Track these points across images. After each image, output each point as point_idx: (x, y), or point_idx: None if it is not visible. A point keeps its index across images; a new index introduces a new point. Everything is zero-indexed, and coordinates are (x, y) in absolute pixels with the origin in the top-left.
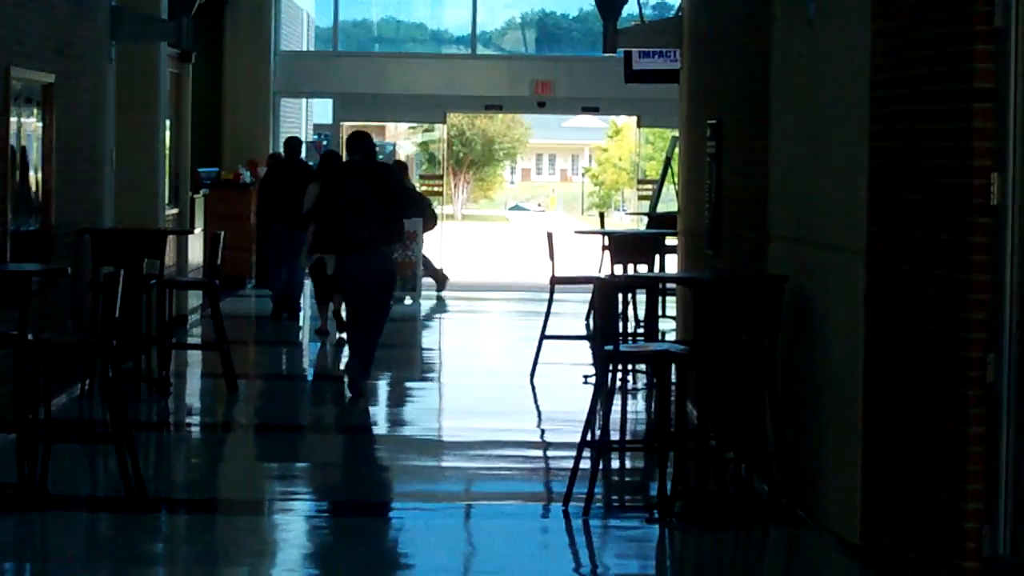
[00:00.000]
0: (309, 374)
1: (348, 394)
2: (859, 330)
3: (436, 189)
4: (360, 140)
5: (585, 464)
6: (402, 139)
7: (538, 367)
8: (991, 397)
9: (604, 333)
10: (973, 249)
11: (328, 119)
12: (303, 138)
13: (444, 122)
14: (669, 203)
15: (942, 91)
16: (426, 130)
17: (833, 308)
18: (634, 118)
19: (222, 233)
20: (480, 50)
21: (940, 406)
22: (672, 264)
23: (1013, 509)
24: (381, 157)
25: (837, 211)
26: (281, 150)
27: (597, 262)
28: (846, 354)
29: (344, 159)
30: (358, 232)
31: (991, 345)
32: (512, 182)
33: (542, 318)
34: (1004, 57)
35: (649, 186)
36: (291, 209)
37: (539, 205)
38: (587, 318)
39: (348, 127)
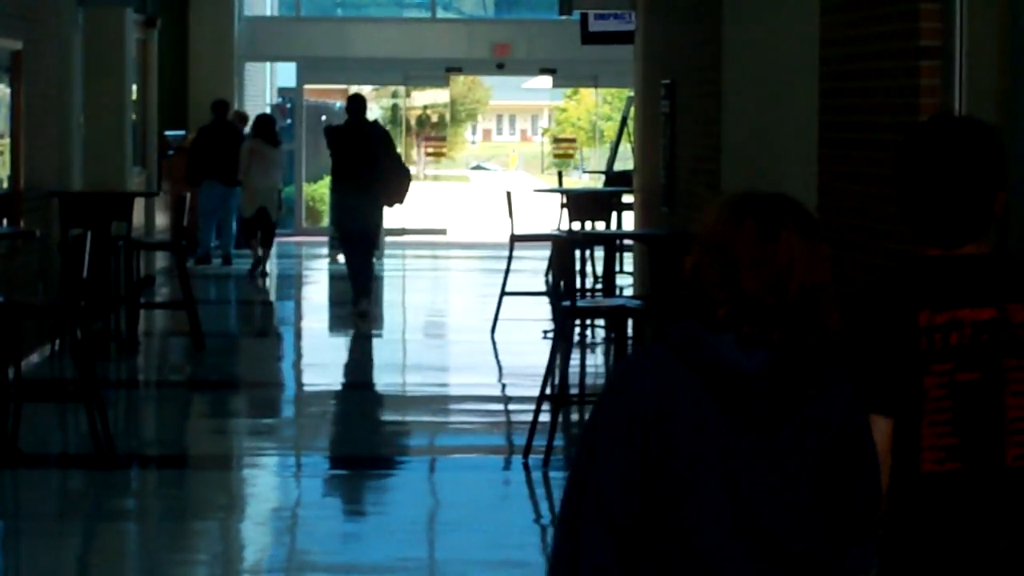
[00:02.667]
0: (278, 330)
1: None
2: None
3: (442, 149)
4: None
5: (545, 417)
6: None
7: (499, 323)
8: None
9: (563, 289)
10: None
11: (292, 83)
12: (268, 101)
13: (405, 84)
14: (626, 161)
15: (889, 49)
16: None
17: None
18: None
19: (187, 195)
20: (440, 14)
21: None
22: (629, 221)
23: None
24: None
25: (788, 168)
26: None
27: (556, 219)
28: None
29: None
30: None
31: None
32: (473, 142)
33: (502, 275)
34: (950, 15)
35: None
36: (222, 167)
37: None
38: (546, 274)
39: (311, 90)
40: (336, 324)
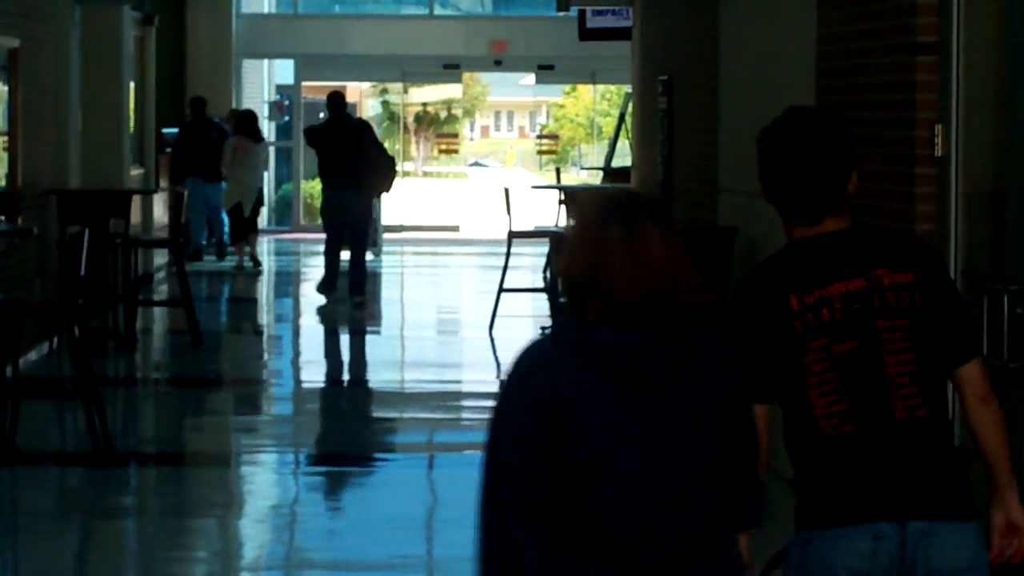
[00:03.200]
0: (275, 328)
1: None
2: None
3: (454, 146)
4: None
5: None
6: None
7: (497, 319)
8: None
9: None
10: (917, 199)
11: (290, 79)
12: (265, 98)
13: (402, 81)
14: (623, 158)
15: (886, 45)
16: (383, 90)
17: None
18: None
19: (185, 192)
20: (438, 10)
21: None
22: None
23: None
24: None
25: None
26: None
27: (554, 216)
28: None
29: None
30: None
31: None
32: (472, 139)
33: (500, 271)
34: (947, 11)
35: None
36: (202, 164)
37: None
38: (544, 271)
39: (308, 87)
40: (334, 321)
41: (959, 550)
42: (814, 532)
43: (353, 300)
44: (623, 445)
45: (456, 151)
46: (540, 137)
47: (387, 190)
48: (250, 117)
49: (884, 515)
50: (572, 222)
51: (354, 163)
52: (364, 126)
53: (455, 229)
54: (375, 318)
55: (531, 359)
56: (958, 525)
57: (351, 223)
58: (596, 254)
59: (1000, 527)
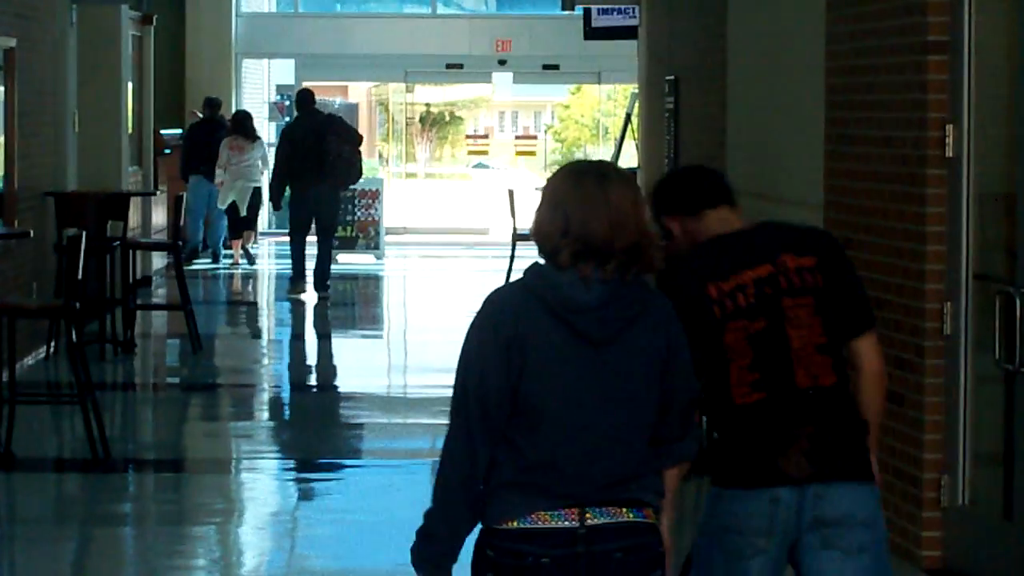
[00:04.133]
0: (275, 332)
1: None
2: None
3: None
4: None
5: None
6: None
7: None
8: (949, 348)
9: None
10: (929, 200)
11: (290, 79)
12: (266, 99)
13: (405, 80)
14: (629, 159)
15: (897, 44)
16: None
17: None
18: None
19: (185, 194)
20: (441, 9)
21: (898, 357)
22: None
23: (972, 459)
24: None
25: (794, 165)
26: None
27: None
28: None
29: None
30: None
31: (948, 296)
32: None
33: (504, 273)
34: (958, 10)
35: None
36: (209, 164)
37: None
38: None
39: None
40: (337, 325)
41: (853, 505)
42: (725, 491)
43: (318, 295)
44: (569, 386)
45: (486, 152)
46: (518, 137)
47: (353, 182)
48: (244, 116)
49: (783, 481)
50: (549, 183)
51: (319, 160)
52: (332, 122)
53: (484, 232)
54: (377, 322)
55: (501, 299)
56: (852, 485)
57: (319, 218)
58: (573, 203)
59: None
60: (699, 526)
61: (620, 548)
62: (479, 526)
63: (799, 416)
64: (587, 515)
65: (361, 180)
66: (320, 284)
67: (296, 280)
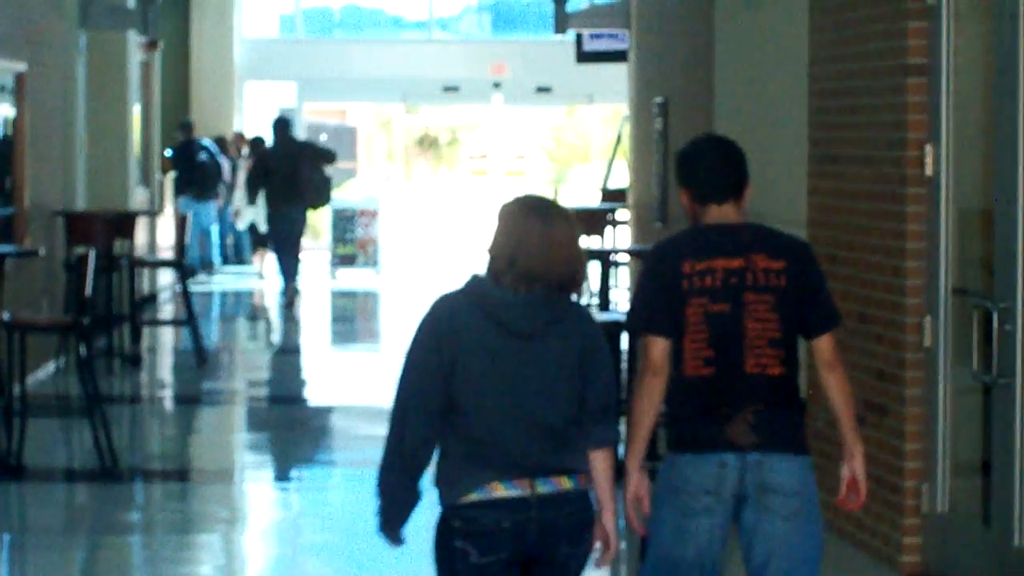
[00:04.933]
0: (277, 346)
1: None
2: None
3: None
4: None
5: None
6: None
7: None
8: (928, 360)
9: None
10: (908, 218)
11: (292, 102)
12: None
13: (404, 102)
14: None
15: (877, 67)
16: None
17: None
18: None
19: (189, 213)
20: (437, 34)
21: (880, 369)
22: (624, 237)
23: (951, 467)
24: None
25: (778, 184)
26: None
27: None
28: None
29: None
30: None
31: (928, 310)
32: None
33: None
34: (936, 33)
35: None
36: (192, 183)
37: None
38: None
39: (311, 110)
40: (337, 340)
41: (789, 476)
42: (677, 455)
43: (285, 300)
44: (498, 373)
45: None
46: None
47: (325, 203)
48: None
49: (727, 448)
50: (500, 216)
51: (294, 183)
52: (305, 148)
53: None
54: (376, 336)
55: (442, 302)
56: (789, 457)
57: (289, 234)
58: (521, 239)
59: (847, 480)
60: (653, 490)
61: (564, 515)
62: (441, 505)
63: (744, 396)
64: (536, 485)
65: (361, 199)
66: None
67: (288, 290)
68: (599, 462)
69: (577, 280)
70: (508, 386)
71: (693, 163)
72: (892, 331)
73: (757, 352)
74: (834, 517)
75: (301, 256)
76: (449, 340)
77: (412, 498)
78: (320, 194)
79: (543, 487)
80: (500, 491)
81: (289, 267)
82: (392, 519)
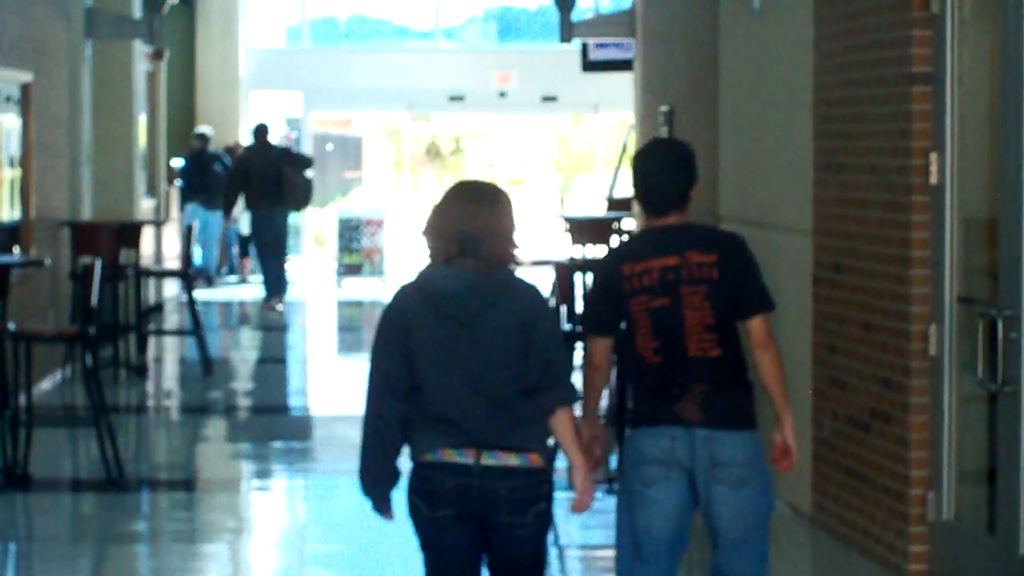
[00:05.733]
0: (283, 355)
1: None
2: (807, 307)
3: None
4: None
5: None
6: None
7: None
8: (934, 368)
9: (565, 313)
10: (913, 226)
11: (299, 111)
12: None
13: (409, 111)
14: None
15: (882, 75)
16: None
17: (782, 286)
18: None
19: (195, 223)
20: (443, 44)
21: (885, 378)
22: None
23: (956, 476)
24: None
25: (784, 192)
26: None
27: (558, 244)
28: (795, 330)
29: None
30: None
31: (933, 319)
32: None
33: None
34: (941, 42)
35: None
36: (202, 192)
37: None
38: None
39: (316, 119)
40: (343, 349)
41: (737, 449)
42: (636, 430)
43: (268, 304)
44: (443, 357)
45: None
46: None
47: (305, 205)
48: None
49: (677, 423)
50: (438, 200)
51: (276, 187)
52: (285, 153)
53: None
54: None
55: (397, 295)
56: (735, 432)
57: (272, 238)
58: (447, 216)
59: (777, 446)
60: (619, 465)
61: (505, 487)
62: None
63: (691, 377)
64: (481, 456)
65: (367, 209)
66: (279, 294)
67: (270, 296)
68: (560, 423)
69: (505, 254)
70: (455, 366)
71: (640, 177)
72: (897, 339)
73: (697, 338)
74: (840, 526)
75: (287, 266)
76: (404, 331)
77: (391, 474)
78: (303, 197)
79: (488, 459)
80: (450, 456)
81: (273, 274)
82: (378, 496)
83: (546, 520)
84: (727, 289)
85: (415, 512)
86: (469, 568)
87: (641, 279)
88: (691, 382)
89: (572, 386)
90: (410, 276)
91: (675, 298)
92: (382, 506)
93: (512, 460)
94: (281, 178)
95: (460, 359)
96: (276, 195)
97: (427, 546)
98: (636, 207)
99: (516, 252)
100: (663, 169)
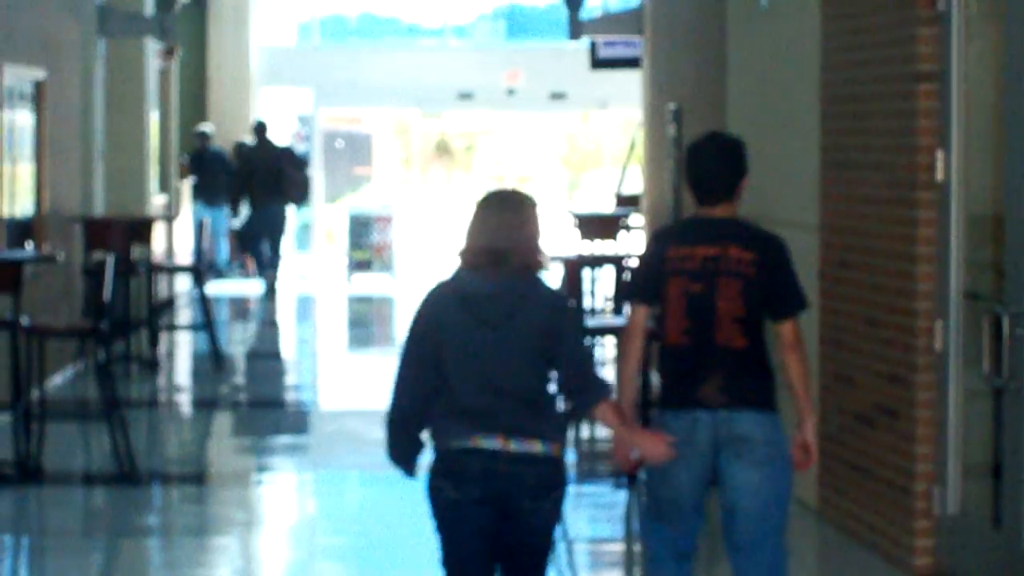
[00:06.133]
0: (293, 350)
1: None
2: (813, 302)
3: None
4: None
5: None
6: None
7: None
8: (939, 364)
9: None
10: (919, 223)
11: (309, 108)
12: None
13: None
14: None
15: (888, 73)
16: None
17: None
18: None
19: (206, 219)
20: (452, 41)
21: (891, 373)
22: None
23: (962, 470)
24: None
25: (791, 189)
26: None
27: (567, 239)
28: (801, 325)
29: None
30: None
31: (939, 315)
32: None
33: None
34: (947, 40)
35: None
36: (204, 190)
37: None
38: None
39: (326, 116)
40: (353, 344)
41: (754, 427)
42: (663, 411)
43: (269, 288)
44: (472, 354)
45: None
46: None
47: (304, 199)
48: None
49: (700, 406)
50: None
51: (276, 183)
52: (284, 152)
53: None
54: (391, 341)
55: (430, 294)
56: (756, 412)
57: (274, 230)
58: (477, 226)
59: (798, 444)
60: None
61: (530, 473)
62: (433, 453)
63: (714, 363)
64: (510, 443)
65: (377, 205)
66: (272, 281)
67: (265, 275)
68: (603, 413)
69: (532, 261)
70: (482, 365)
71: (692, 168)
72: (903, 335)
73: (726, 327)
74: (846, 520)
75: (282, 253)
76: (435, 329)
77: (415, 445)
78: (303, 192)
79: (515, 445)
80: (478, 442)
81: (267, 258)
82: (405, 464)
83: (560, 508)
84: (762, 288)
85: (437, 493)
86: (483, 550)
87: (683, 263)
88: (715, 368)
89: (603, 382)
90: (441, 275)
91: (711, 286)
92: (409, 469)
93: (537, 447)
94: (281, 173)
95: (486, 358)
96: (277, 189)
97: (445, 527)
98: (688, 197)
99: (542, 259)
100: (715, 160)
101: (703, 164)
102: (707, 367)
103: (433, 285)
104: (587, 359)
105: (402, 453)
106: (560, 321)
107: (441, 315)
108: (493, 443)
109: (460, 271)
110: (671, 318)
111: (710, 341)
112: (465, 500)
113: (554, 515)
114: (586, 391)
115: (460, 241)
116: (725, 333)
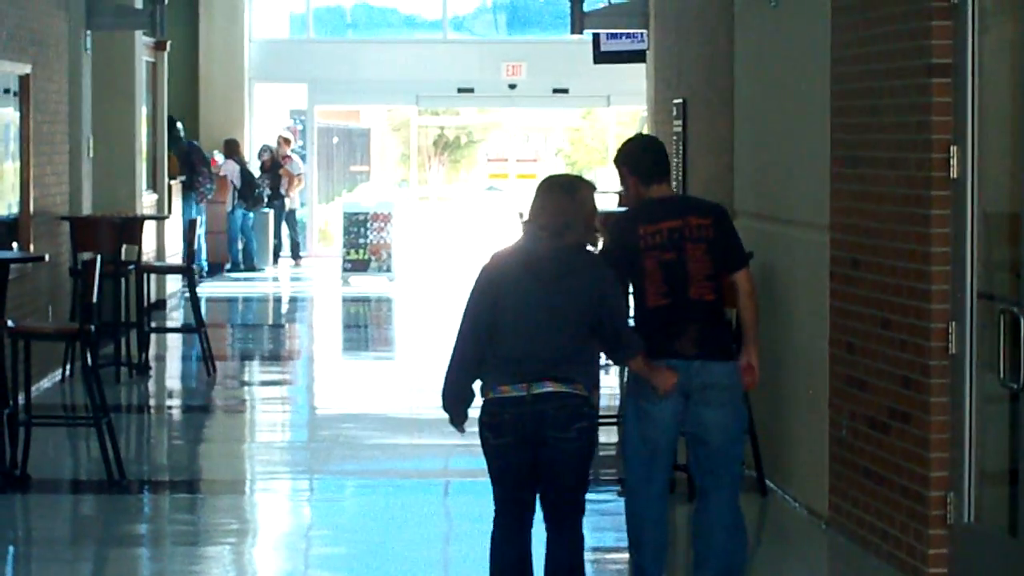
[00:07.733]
0: (287, 354)
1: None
2: (824, 304)
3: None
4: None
5: None
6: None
7: None
8: (954, 367)
9: None
10: (933, 221)
11: (303, 104)
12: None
13: (417, 104)
14: None
15: (901, 67)
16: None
17: (799, 282)
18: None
19: (198, 218)
20: (451, 34)
21: (904, 377)
22: None
23: (977, 477)
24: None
25: (801, 187)
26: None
27: None
28: (812, 327)
29: None
30: None
31: (953, 316)
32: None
33: None
34: (961, 33)
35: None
36: (190, 188)
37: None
38: None
39: (321, 111)
40: (348, 347)
41: (720, 374)
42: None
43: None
44: (523, 307)
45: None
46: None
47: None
48: (234, 143)
49: (676, 355)
50: (535, 192)
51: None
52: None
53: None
54: (390, 344)
55: (493, 257)
56: (721, 361)
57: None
58: (542, 204)
59: (743, 366)
60: (625, 387)
61: (551, 407)
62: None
63: (690, 316)
64: (532, 387)
65: (374, 203)
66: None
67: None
68: (635, 365)
69: (587, 234)
70: (532, 317)
71: (637, 157)
72: (916, 337)
73: (698, 284)
74: (858, 528)
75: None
76: (495, 283)
77: (468, 396)
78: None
79: (537, 388)
80: (507, 391)
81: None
82: (455, 413)
83: (588, 440)
84: (720, 247)
85: (484, 440)
86: (526, 477)
87: (654, 237)
88: (689, 320)
89: (638, 339)
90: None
91: (681, 252)
92: (458, 420)
93: (559, 386)
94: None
95: (537, 311)
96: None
97: (493, 463)
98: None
99: (593, 235)
100: (661, 151)
101: (646, 155)
102: (684, 320)
103: (497, 250)
104: (624, 323)
105: (456, 400)
106: (603, 286)
107: (502, 275)
108: (519, 390)
109: (521, 242)
110: (650, 285)
111: (685, 297)
112: (504, 445)
113: (584, 446)
114: (627, 346)
115: (531, 214)
116: (697, 289)
